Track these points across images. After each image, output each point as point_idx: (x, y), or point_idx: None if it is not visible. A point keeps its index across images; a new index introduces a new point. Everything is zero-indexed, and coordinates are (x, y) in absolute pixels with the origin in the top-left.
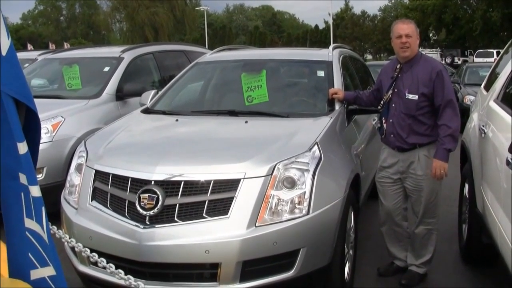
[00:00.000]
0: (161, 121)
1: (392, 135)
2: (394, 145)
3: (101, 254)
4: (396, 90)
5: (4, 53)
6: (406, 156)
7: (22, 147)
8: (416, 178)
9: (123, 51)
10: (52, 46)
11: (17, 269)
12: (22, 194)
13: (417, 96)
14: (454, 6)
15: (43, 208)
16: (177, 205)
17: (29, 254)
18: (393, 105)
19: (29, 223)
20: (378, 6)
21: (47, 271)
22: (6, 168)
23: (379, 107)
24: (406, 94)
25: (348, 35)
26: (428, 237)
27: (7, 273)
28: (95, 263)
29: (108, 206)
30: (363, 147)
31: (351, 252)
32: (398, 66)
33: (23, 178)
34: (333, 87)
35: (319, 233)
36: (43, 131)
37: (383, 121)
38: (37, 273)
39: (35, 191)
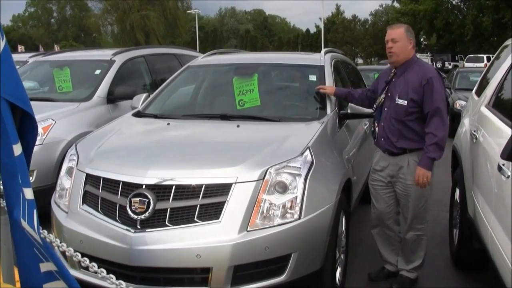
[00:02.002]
0: (153, 125)
1: (382, 139)
2: (384, 148)
3: (91, 258)
4: (389, 94)
5: None
6: (396, 160)
7: (17, 149)
8: (405, 183)
9: (114, 54)
10: (41, 49)
11: (27, 263)
12: (21, 194)
13: (406, 102)
14: (446, 11)
15: (35, 211)
16: (169, 209)
17: (34, 248)
18: (385, 109)
19: (23, 224)
20: (369, 10)
21: (52, 266)
22: (6, 167)
23: (372, 111)
24: (397, 99)
25: (339, 40)
26: (418, 243)
27: (1, 279)
28: (86, 268)
29: (99, 210)
30: (354, 151)
31: (342, 256)
32: (393, 70)
33: (19, 179)
34: None
35: (311, 238)
36: None
37: (375, 124)
38: (45, 266)
39: (28, 194)
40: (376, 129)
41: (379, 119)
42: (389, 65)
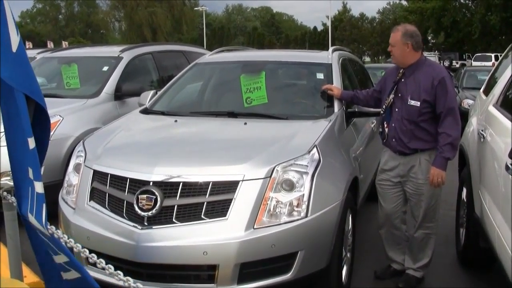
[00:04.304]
0: (160, 122)
1: (394, 140)
2: (396, 149)
3: (98, 255)
4: (399, 95)
5: (14, 49)
6: (407, 159)
7: (31, 142)
8: (417, 182)
9: (122, 51)
10: (50, 45)
11: (42, 253)
12: (30, 189)
13: (419, 103)
14: (453, 10)
15: (44, 205)
16: (176, 206)
17: (44, 241)
18: (396, 109)
19: (30, 218)
20: (376, 8)
21: (63, 258)
22: (18, 161)
23: (381, 111)
24: (409, 100)
25: (346, 38)
26: (427, 241)
27: (8, 274)
28: (94, 264)
29: (106, 206)
30: (361, 149)
31: (348, 255)
32: (401, 71)
33: (30, 173)
34: None
35: (317, 236)
36: None
37: (385, 125)
38: (57, 259)
39: (39, 187)
40: (386, 129)
41: (389, 120)
42: (388, 62)
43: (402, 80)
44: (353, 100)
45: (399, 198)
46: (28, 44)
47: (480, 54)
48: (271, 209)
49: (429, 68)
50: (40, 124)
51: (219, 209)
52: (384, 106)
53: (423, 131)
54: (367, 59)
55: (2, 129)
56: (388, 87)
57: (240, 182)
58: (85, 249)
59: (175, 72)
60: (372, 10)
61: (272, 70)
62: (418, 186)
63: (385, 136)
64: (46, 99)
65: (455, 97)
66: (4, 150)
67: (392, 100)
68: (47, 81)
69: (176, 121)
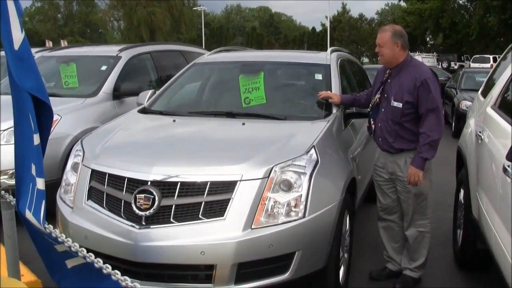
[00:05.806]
0: (158, 121)
1: (380, 139)
2: (382, 148)
3: (96, 254)
4: (385, 95)
5: (16, 47)
6: (394, 158)
7: (36, 139)
8: (403, 180)
9: (120, 50)
10: (49, 43)
11: (44, 246)
12: (31, 185)
13: (401, 104)
14: (452, 11)
15: (44, 202)
16: (173, 206)
17: (44, 235)
18: (382, 109)
19: (28, 215)
20: (375, 9)
21: (63, 247)
22: (22, 157)
23: (368, 110)
24: (392, 101)
25: (345, 38)
26: (420, 239)
27: (6, 273)
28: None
29: (104, 205)
30: (359, 150)
31: (346, 255)
32: (388, 71)
33: (33, 169)
34: (331, 90)
35: (315, 236)
36: None
37: (372, 122)
38: (59, 247)
39: (40, 184)
40: (373, 126)
41: (375, 118)
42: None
43: (388, 80)
44: (354, 103)
45: (395, 193)
46: None
47: (478, 55)
48: (269, 209)
49: (413, 68)
50: (42, 121)
51: (217, 209)
52: (370, 105)
53: (407, 131)
54: (366, 60)
55: (2, 128)
56: (375, 86)
57: (238, 182)
58: (83, 248)
59: (174, 72)
60: (371, 11)
61: (270, 71)
62: (405, 184)
63: (372, 131)
64: None
65: (438, 98)
66: (4, 149)
67: (377, 100)
68: (45, 80)
69: (174, 121)
